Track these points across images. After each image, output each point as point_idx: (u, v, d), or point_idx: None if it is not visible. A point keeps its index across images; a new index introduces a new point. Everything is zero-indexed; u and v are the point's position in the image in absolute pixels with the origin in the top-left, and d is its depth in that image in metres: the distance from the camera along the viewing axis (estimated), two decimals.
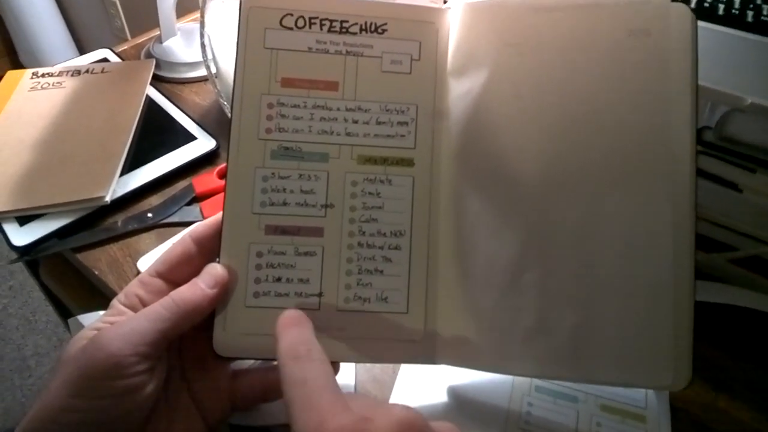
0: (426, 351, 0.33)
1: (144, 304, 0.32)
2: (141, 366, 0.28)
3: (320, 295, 0.33)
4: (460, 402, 0.36)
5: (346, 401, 0.25)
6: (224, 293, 0.32)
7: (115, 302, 0.32)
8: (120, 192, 0.53)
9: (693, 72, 0.33)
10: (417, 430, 0.24)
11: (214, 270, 0.32)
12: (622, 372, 0.32)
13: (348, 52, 0.35)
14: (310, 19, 0.35)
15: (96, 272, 0.48)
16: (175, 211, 0.52)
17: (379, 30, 0.35)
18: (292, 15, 0.35)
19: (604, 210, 0.33)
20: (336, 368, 0.33)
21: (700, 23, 0.37)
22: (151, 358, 0.29)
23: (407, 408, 0.25)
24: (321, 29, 0.35)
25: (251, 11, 0.35)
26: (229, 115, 0.35)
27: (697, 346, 0.31)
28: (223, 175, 0.55)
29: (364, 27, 0.35)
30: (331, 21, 0.35)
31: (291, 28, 0.35)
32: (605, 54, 0.34)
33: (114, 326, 0.29)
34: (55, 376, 0.28)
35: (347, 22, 0.35)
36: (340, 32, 0.35)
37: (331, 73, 0.35)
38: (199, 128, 0.61)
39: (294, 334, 0.29)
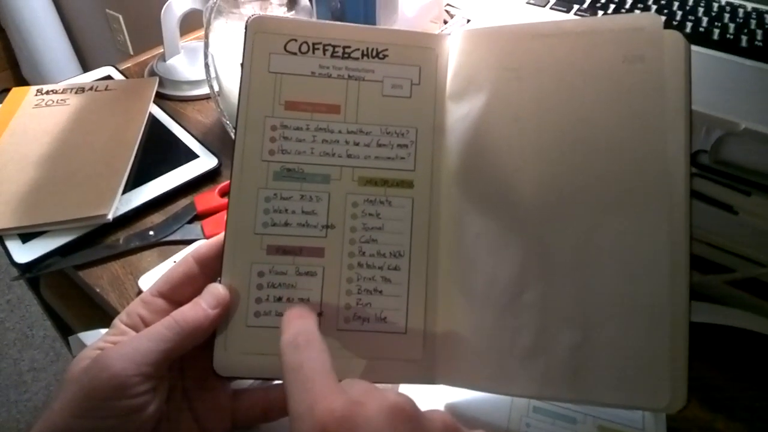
0: (425, 371, 0.34)
1: (146, 324, 0.32)
2: (144, 386, 0.28)
3: (320, 314, 0.33)
4: (459, 421, 0.36)
5: (340, 386, 0.26)
6: (225, 313, 0.33)
7: (116, 322, 0.33)
8: (122, 210, 0.53)
9: (687, 97, 0.34)
10: (408, 415, 0.24)
11: (216, 290, 0.32)
12: (619, 393, 0.32)
13: (350, 77, 0.36)
14: (313, 44, 0.36)
15: (97, 290, 0.48)
16: (177, 229, 0.52)
17: (381, 55, 0.36)
18: (296, 40, 0.36)
19: (601, 231, 0.33)
20: None
21: (696, 48, 0.38)
22: (154, 378, 0.29)
23: (400, 393, 0.25)
24: (324, 54, 0.36)
25: (257, 36, 0.35)
26: (232, 134, 0.35)
27: (695, 367, 0.32)
28: (224, 194, 0.55)
29: (365, 52, 0.36)
30: (334, 46, 0.36)
31: (295, 53, 0.36)
32: (601, 79, 0.34)
33: (117, 346, 0.29)
34: (58, 396, 0.28)
35: (349, 47, 0.36)
36: (343, 57, 0.36)
37: (333, 97, 0.36)
38: (202, 146, 0.61)
39: (296, 325, 0.29)
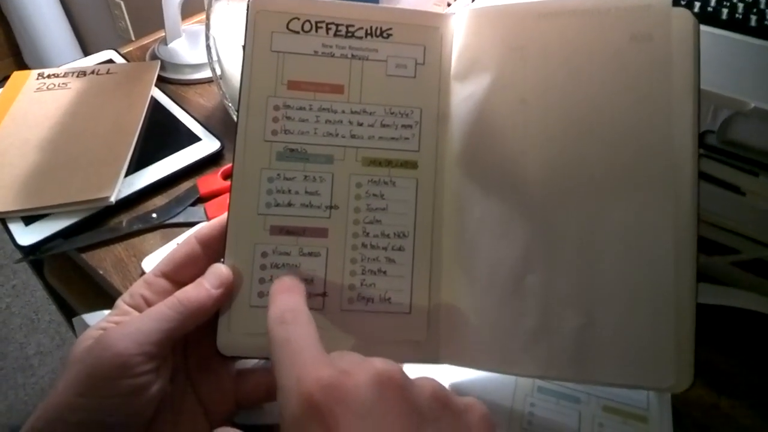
0: (429, 351, 0.34)
1: (149, 304, 0.32)
2: (147, 366, 0.28)
3: (324, 295, 0.33)
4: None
5: (328, 358, 0.25)
6: (229, 293, 0.32)
7: (119, 302, 0.33)
8: (125, 193, 0.53)
9: (695, 76, 0.33)
10: (396, 383, 0.24)
11: (219, 270, 0.32)
12: (624, 373, 0.32)
13: (353, 56, 0.35)
14: (316, 23, 0.35)
15: (101, 272, 0.48)
16: (180, 212, 0.52)
17: (385, 34, 0.36)
18: (298, 19, 0.35)
19: (607, 213, 0.33)
20: None
21: (704, 27, 0.38)
22: (157, 358, 0.29)
23: (387, 361, 0.25)
24: (327, 33, 0.35)
25: (259, 15, 0.35)
26: (235, 116, 0.35)
27: (700, 349, 0.32)
28: (227, 176, 0.55)
29: (369, 31, 0.36)
30: (337, 25, 0.35)
31: (298, 32, 0.35)
32: (608, 58, 0.34)
33: (119, 326, 0.29)
34: (62, 376, 0.28)
35: (353, 26, 0.35)
36: (346, 36, 0.35)
37: (336, 77, 0.35)
38: (204, 129, 0.61)
39: (283, 300, 0.29)
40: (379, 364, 0.25)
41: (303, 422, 0.23)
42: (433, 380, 0.25)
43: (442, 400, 0.25)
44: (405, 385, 0.24)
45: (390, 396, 0.23)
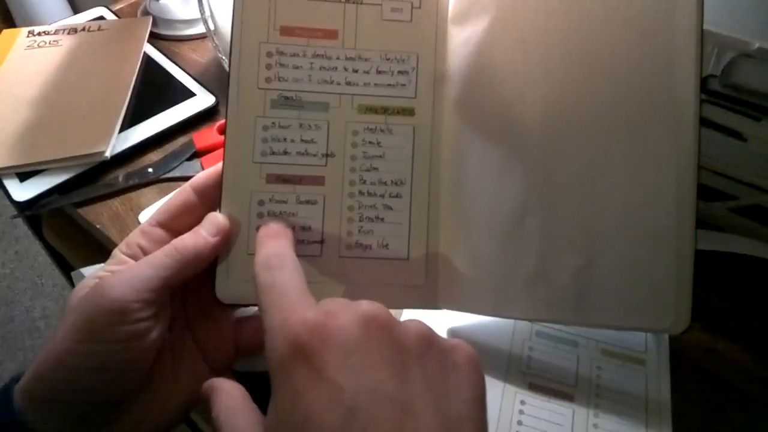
0: (428, 296, 0.34)
1: (145, 253, 0.32)
2: (145, 312, 0.28)
3: (322, 242, 0.33)
4: None
5: (314, 301, 0.26)
6: (226, 241, 0.32)
7: (116, 252, 0.32)
8: (120, 148, 0.53)
9: (699, 16, 0.33)
10: (381, 323, 0.24)
11: (216, 218, 0.32)
12: (623, 315, 0.32)
13: (348, 0, 0.34)
14: None
15: (98, 227, 0.48)
16: (176, 167, 0.52)
17: None
18: None
19: (608, 156, 0.33)
20: None
21: None
22: (155, 305, 0.29)
23: (373, 303, 0.25)
24: None
25: None
26: (227, 67, 0.34)
27: (697, 293, 0.32)
28: (223, 131, 0.54)
29: None
30: None
31: None
32: None
33: (116, 274, 0.29)
34: (61, 324, 0.29)
35: None
36: None
37: (330, 22, 0.34)
38: (198, 85, 0.60)
39: (270, 246, 0.29)
40: (365, 305, 0.25)
41: (290, 363, 0.23)
42: (419, 321, 0.25)
43: (428, 339, 0.25)
44: (391, 324, 0.24)
45: (375, 335, 0.24)
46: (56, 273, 1.41)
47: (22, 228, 1.50)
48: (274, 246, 0.29)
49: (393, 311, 0.25)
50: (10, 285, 1.46)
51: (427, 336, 0.25)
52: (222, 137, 0.53)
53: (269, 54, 0.34)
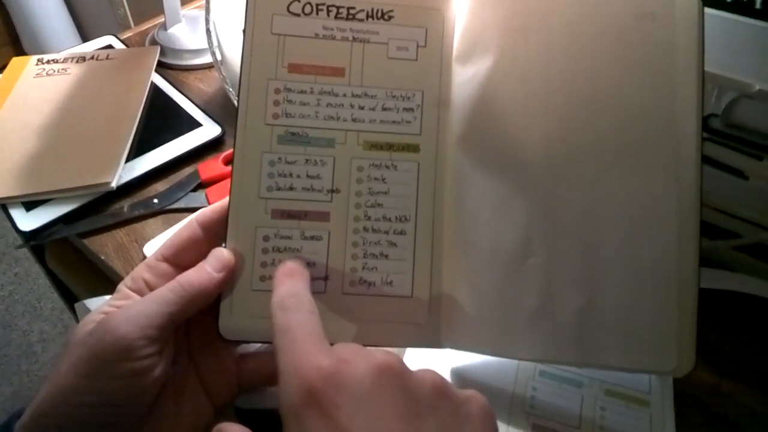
0: (430, 334, 0.34)
1: (150, 288, 0.32)
2: (149, 349, 0.28)
3: (326, 278, 0.33)
4: (465, 385, 0.36)
5: (329, 347, 0.25)
6: (230, 277, 0.32)
7: (121, 286, 0.33)
8: (126, 178, 0.53)
9: (699, 57, 0.33)
10: (396, 373, 0.24)
11: (221, 254, 0.32)
12: (626, 356, 0.32)
13: (354, 39, 0.35)
14: (317, 5, 0.35)
15: (102, 257, 0.48)
16: (181, 197, 0.52)
17: (386, 17, 0.35)
18: (299, 1, 0.35)
19: (609, 193, 0.33)
20: None
21: (708, 10, 0.37)
22: (159, 341, 0.29)
23: (388, 352, 0.25)
24: (328, 15, 0.35)
25: None
26: (235, 101, 0.35)
27: (701, 331, 0.32)
28: (228, 162, 0.55)
29: (370, 14, 0.35)
30: (338, 7, 0.35)
31: (298, 14, 0.35)
32: (611, 37, 0.34)
33: (122, 309, 0.29)
34: (64, 359, 0.28)
35: (354, 8, 0.35)
36: (347, 18, 0.35)
37: (337, 59, 0.35)
38: (205, 115, 0.61)
39: (286, 286, 0.29)
40: (380, 354, 0.25)
41: (302, 409, 0.23)
42: (433, 372, 0.25)
43: (442, 390, 0.25)
44: (404, 374, 0.24)
45: (389, 384, 0.23)
46: (55, 296, 1.40)
47: (22, 249, 1.50)
48: (290, 286, 0.29)
49: (395, 349, 0.25)
50: (8, 307, 1.45)
51: (441, 387, 0.25)
52: (227, 168, 0.54)
53: (277, 90, 0.34)
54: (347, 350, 0.25)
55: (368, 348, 0.25)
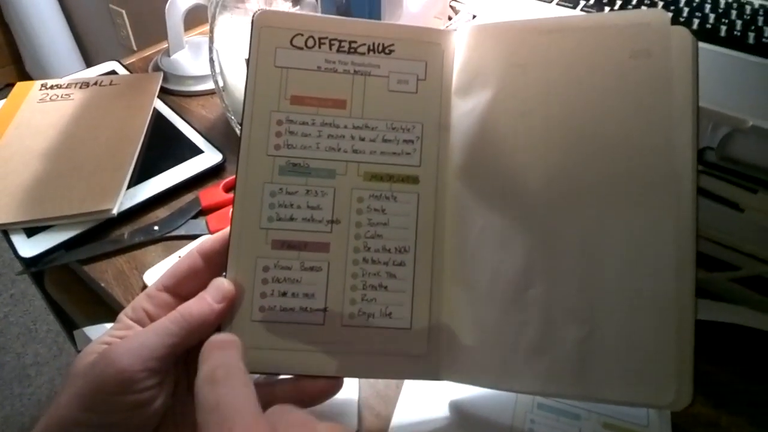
0: (429, 367, 0.34)
1: (151, 318, 0.32)
2: (150, 381, 0.28)
3: (325, 310, 0.33)
4: (464, 418, 0.36)
5: (264, 421, 0.24)
6: (230, 307, 0.33)
7: (122, 316, 0.33)
8: (127, 204, 0.53)
9: (694, 93, 0.34)
10: None
11: (221, 284, 0.32)
12: (624, 390, 0.32)
13: (356, 72, 0.36)
14: (319, 39, 0.36)
15: (102, 284, 0.48)
16: (182, 224, 0.52)
17: (387, 50, 0.36)
18: (302, 35, 0.36)
19: (608, 226, 0.33)
20: (339, 384, 0.33)
21: (703, 45, 0.38)
22: (161, 373, 0.29)
23: (336, 425, 0.24)
24: (330, 49, 0.36)
25: (263, 30, 0.35)
26: (237, 129, 0.35)
27: (699, 364, 0.32)
28: (229, 189, 0.55)
29: (371, 47, 0.36)
30: (340, 41, 0.36)
31: (301, 48, 0.36)
32: (608, 74, 0.34)
33: (123, 341, 0.29)
34: (64, 390, 0.28)
35: (355, 42, 0.36)
36: (349, 52, 0.36)
37: (339, 92, 0.36)
38: (206, 141, 0.61)
39: (214, 358, 0.28)
40: (323, 428, 0.23)
41: None
42: None
43: None
44: None
45: None
46: (51, 318, 1.40)
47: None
48: (219, 357, 0.28)
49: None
50: (2, 329, 1.44)
51: None
52: (228, 195, 0.54)
53: (279, 122, 0.35)
54: (288, 422, 0.24)
55: (310, 422, 0.24)
